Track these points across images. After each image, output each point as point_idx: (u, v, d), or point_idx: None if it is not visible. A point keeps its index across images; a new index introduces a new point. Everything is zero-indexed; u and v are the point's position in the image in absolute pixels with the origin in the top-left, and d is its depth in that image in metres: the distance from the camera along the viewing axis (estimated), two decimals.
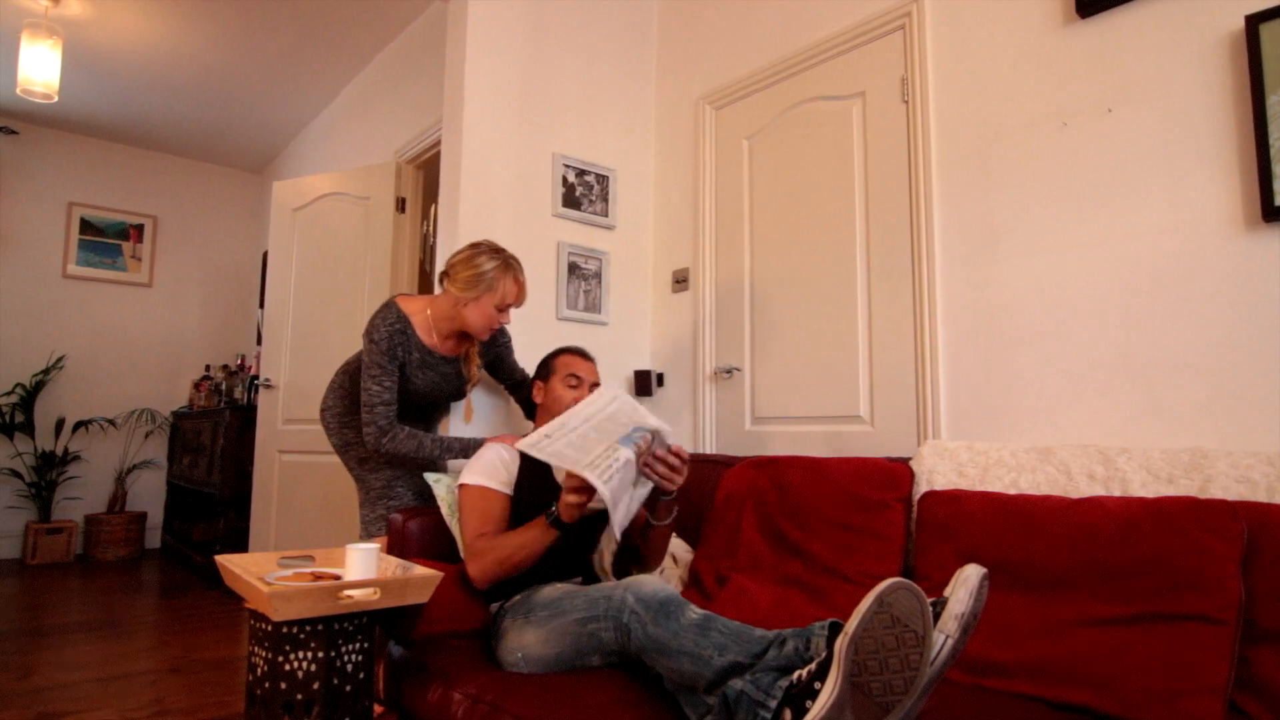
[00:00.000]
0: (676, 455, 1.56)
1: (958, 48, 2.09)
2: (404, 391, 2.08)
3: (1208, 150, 1.62)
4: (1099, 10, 1.79)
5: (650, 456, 1.52)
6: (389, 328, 2.02)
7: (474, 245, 2.04)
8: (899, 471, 1.78)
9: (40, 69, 3.39)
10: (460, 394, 2.25)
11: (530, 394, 2.11)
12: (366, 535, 2.14)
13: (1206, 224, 1.61)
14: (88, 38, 3.86)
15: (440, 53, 2.90)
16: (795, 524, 1.85)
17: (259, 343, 4.40)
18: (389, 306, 2.06)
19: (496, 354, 2.30)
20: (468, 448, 2.04)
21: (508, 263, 2.03)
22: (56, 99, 3.57)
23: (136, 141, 5.33)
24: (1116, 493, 1.48)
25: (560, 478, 1.90)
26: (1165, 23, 1.69)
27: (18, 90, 3.42)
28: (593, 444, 1.47)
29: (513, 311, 2.11)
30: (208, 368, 5.23)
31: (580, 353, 2.10)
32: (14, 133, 4.91)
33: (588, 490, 1.51)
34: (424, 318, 2.08)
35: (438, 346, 2.11)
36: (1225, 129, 1.60)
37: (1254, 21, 1.55)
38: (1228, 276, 1.58)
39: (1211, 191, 1.61)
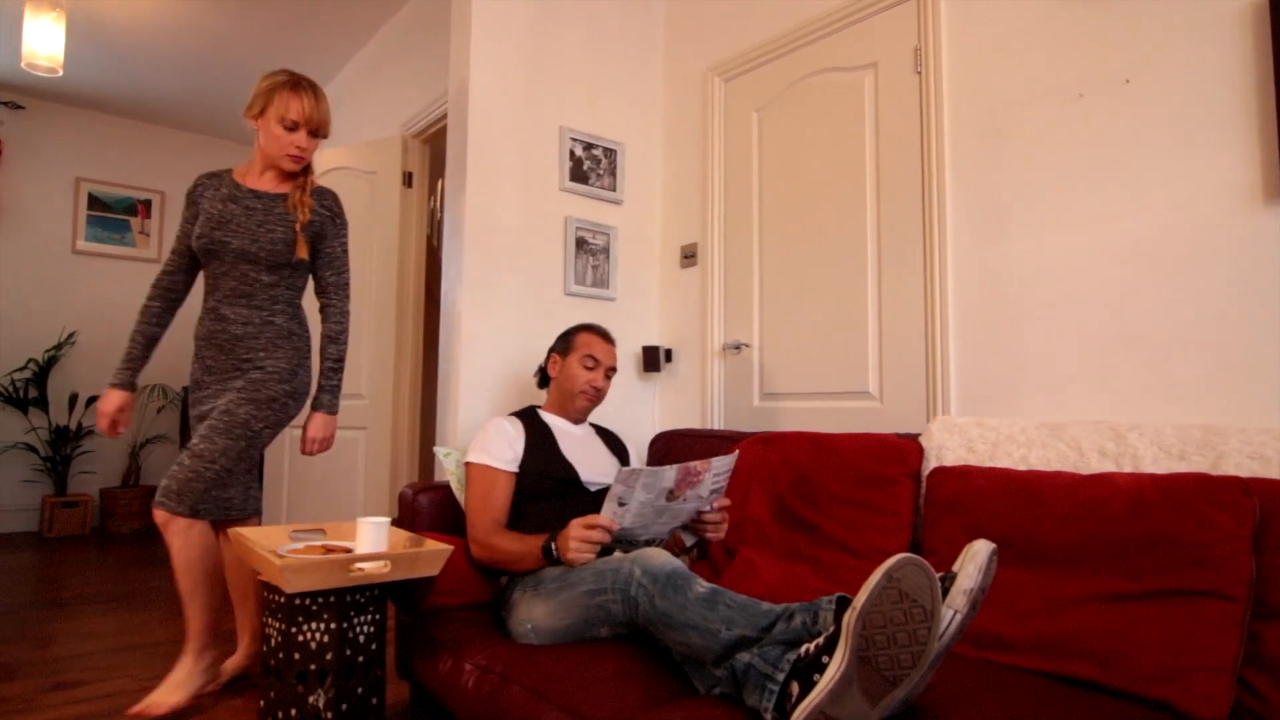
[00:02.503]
0: (722, 510, 1.70)
1: (972, 18, 2.05)
2: (202, 235, 1.98)
3: (1226, 123, 1.59)
4: None
5: (703, 517, 1.67)
6: (198, 179, 2.06)
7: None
8: (908, 447, 1.77)
9: (45, 42, 3.37)
10: (286, 246, 2.00)
11: (546, 365, 2.10)
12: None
13: (1223, 198, 1.59)
14: (92, 10, 3.83)
15: (446, 25, 2.87)
16: (803, 500, 1.85)
17: None
18: None
19: (315, 232, 2.07)
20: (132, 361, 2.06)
21: (292, 80, 1.99)
22: (61, 73, 3.55)
23: (143, 116, 5.30)
24: (1128, 469, 1.47)
25: (572, 457, 1.91)
26: None
27: (22, 64, 3.40)
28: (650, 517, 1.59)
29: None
30: None
31: (601, 333, 2.07)
32: (20, 107, 4.90)
33: (594, 549, 1.55)
34: (247, 163, 2.08)
35: (255, 183, 2.04)
36: (1244, 101, 1.56)
37: None
38: (1243, 251, 1.55)
39: (1229, 165, 1.58)
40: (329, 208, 2.10)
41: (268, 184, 2.04)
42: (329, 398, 2.09)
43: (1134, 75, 1.73)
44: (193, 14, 3.91)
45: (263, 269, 1.99)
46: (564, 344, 2.06)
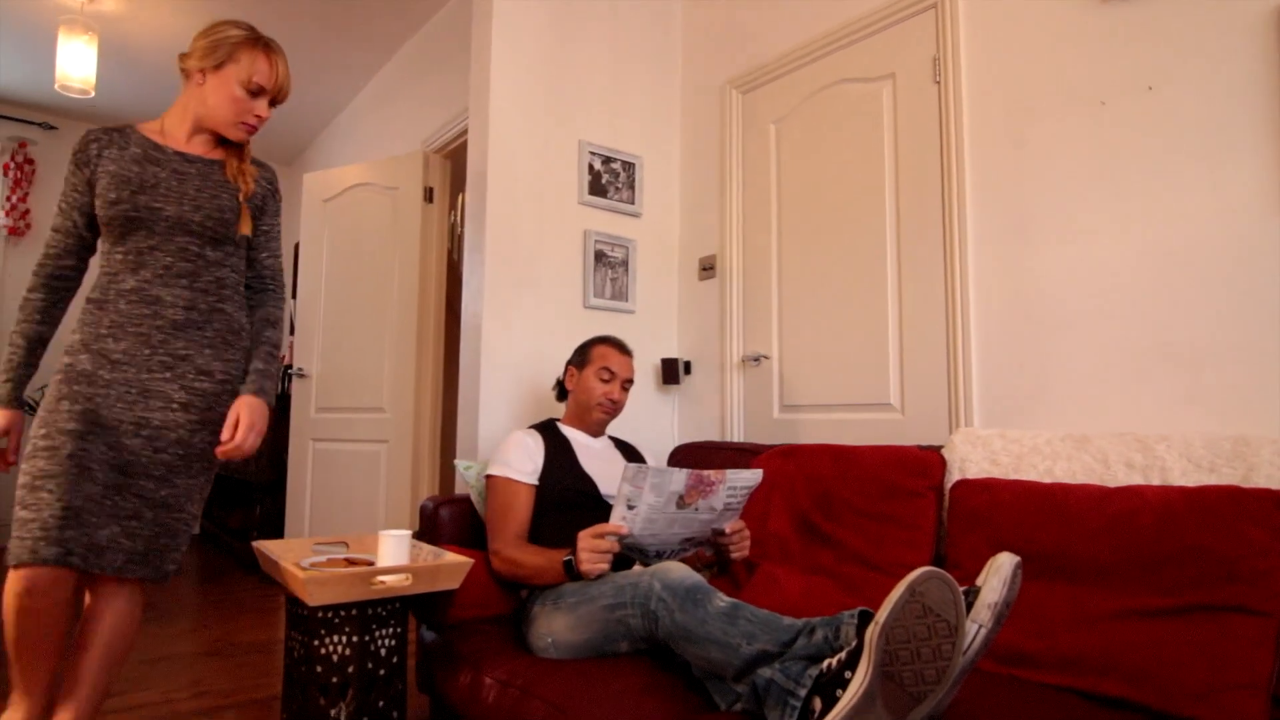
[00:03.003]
0: (739, 533, 1.71)
1: (991, 27, 2.04)
2: (119, 200, 1.54)
3: (1252, 129, 1.57)
4: None
5: (726, 537, 1.68)
6: (88, 134, 1.61)
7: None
8: (930, 460, 1.75)
9: (78, 65, 3.46)
10: (234, 215, 1.65)
11: (563, 377, 2.11)
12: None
13: (1250, 205, 1.56)
14: (122, 32, 3.93)
15: (465, 42, 2.91)
16: (824, 513, 1.84)
17: (292, 333, 4.47)
18: None
19: (257, 205, 1.71)
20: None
21: (261, 38, 1.66)
22: (93, 94, 3.63)
23: None
24: (1155, 482, 1.45)
25: (591, 470, 1.91)
26: None
27: (56, 86, 3.49)
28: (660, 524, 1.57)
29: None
30: None
31: (618, 345, 2.07)
32: (53, 128, 5.02)
33: (606, 557, 1.55)
34: (158, 121, 1.68)
35: (183, 146, 1.65)
36: (1268, 107, 1.54)
37: None
38: (1272, 259, 1.53)
39: (1255, 171, 1.56)
40: (270, 180, 1.79)
41: (198, 148, 1.67)
42: (270, 384, 1.66)
43: (1156, 82, 1.71)
44: None
45: (206, 243, 1.62)
46: (581, 356, 2.06)
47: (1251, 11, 1.57)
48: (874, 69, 2.33)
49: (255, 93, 1.64)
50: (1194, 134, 1.65)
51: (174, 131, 1.66)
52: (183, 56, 1.65)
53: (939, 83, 2.14)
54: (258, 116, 1.67)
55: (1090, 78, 1.83)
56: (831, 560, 1.77)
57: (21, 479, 1.42)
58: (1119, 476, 1.50)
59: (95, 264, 1.65)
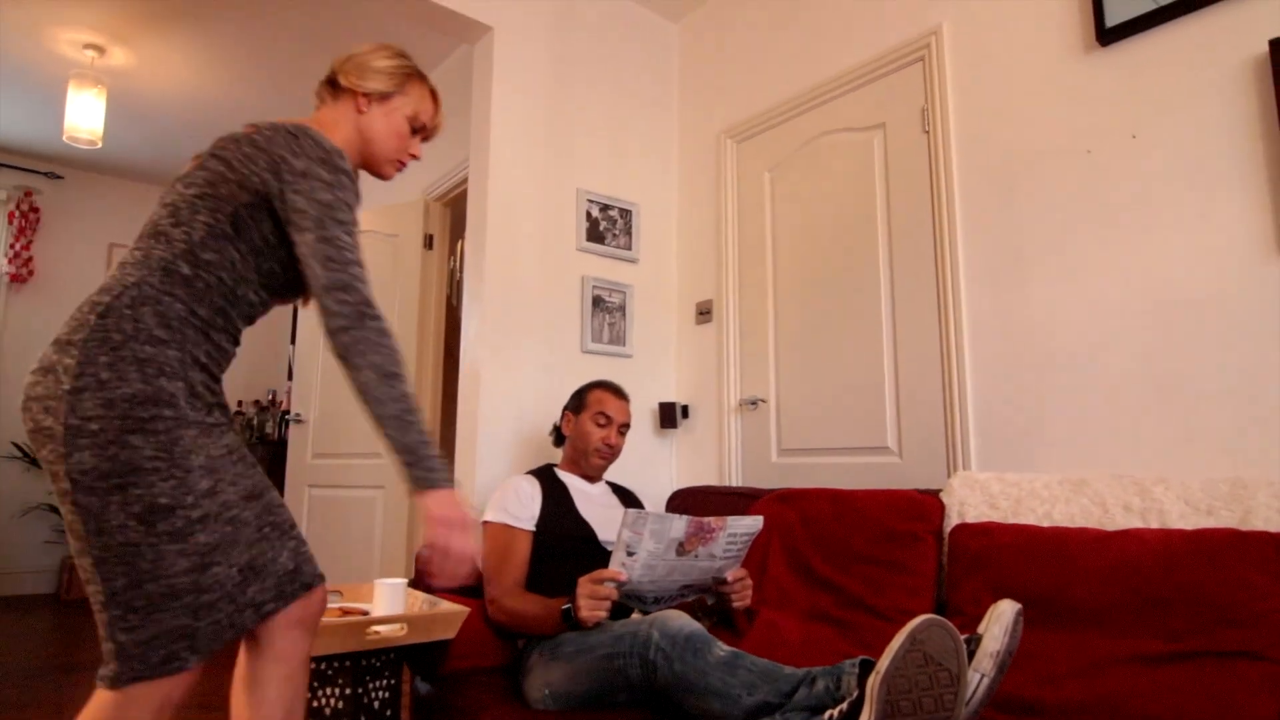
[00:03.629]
0: (741, 580, 1.66)
1: (978, 78, 2.10)
2: (285, 260, 1.25)
3: (1236, 174, 1.60)
4: (1120, 38, 1.79)
5: (733, 586, 1.64)
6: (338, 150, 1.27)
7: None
8: (929, 504, 1.75)
9: (86, 117, 3.53)
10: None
11: (560, 423, 2.11)
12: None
13: (1237, 248, 1.59)
14: (130, 85, 4.02)
15: (467, 93, 2.98)
16: (823, 558, 1.82)
17: (290, 378, 4.47)
18: (307, 128, 1.28)
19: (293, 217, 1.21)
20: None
21: (424, 75, 1.50)
22: (100, 145, 3.70)
23: None
24: (1154, 524, 1.44)
25: (588, 516, 1.90)
26: (1187, 49, 1.69)
27: (64, 138, 3.55)
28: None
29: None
30: (240, 403, 5.31)
31: (614, 389, 2.07)
32: (59, 178, 5.10)
33: (605, 605, 1.51)
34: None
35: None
36: (1252, 153, 1.58)
37: (1277, 45, 1.54)
38: (1261, 301, 1.55)
39: (1241, 216, 1.59)
40: None
41: None
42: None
43: (1140, 131, 1.75)
44: (223, 88, 4.09)
45: None
46: (577, 402, 2.07)
47: (1232, 61, 1.62)
48: (864, 119, 2.39)
49: (416, 130, 1.49)
50: (1180, 180, 1.69)
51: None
52: (342, 74, 1.43)
53: (928, 132, 2.19)
54: (411, 155, 1.51)
55: (1075, 126, 1.87)
56: (831, 605, 1.75)
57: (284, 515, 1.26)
58: (1117, 520, 1.50)
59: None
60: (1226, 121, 1.62)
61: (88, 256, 5.21)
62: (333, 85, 1.46)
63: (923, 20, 2.23)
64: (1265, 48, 1.56)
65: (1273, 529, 1.30)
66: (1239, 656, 1.18)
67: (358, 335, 1.15)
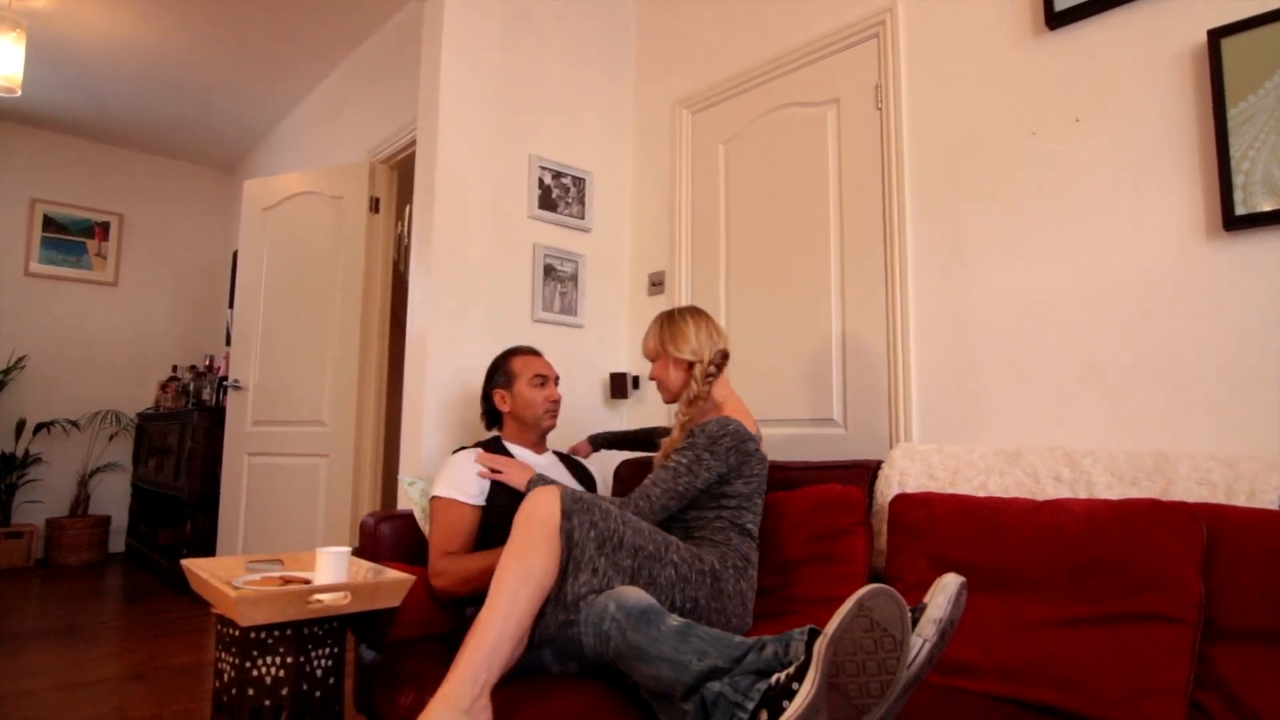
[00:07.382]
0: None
1: (930, 56, 2.12)
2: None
3: (1171, 160, 1.66)
4: (1067, 22, 1.83)
5: None
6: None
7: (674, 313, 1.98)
8: (854, 496, 1.76)
9: (3, 61, 3.31)
10: None
11: (493, 404, 2.08)
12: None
13: (1170, 233, 1.65)
14: (52, 29, 3.78)
15: (416, 52, 2.88)
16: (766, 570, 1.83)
17: (228, 344, 4.32)
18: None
19: None
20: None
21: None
22: (20, 93, 3.48)
23: (103, 138, 5.22)
24: (1082, 495, 1.51)
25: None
26: (1131, 36, 1.73)
27: None
28: None
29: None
30: (175, 369, 5.12)
31: (530, 350, 2.13)
32: None
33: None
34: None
35: None
36: (1188, 139, 1.64)
37: (1215, 36, 1.59)
38: (1190, 284, 1.62)
39: (1175, 201, 1.65)
40: None
41: None
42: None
43: (1083, 115, 1.80)
44: (155, 35, 3.88)
45: None
46: (504, 377, 2.05)
47: (1172, 49, 1.67)
48: (819, 93, 2.40)
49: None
50: (1118, 164, 1.74)
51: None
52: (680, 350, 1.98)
53: (881, 109, 2.21)
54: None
55: (1022, 108, 1.91)
56: (770, 602, 1.76)
57: None
58: (1048, 490, 1.56)
59: None
60: (1165, 107, 1.68)
61: (8, 211, 4.93)
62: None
63: None
64: (1204, 38, 1.61)
65: (1192, 499, 1.38)
66: (1155, 619, 1.24)
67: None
